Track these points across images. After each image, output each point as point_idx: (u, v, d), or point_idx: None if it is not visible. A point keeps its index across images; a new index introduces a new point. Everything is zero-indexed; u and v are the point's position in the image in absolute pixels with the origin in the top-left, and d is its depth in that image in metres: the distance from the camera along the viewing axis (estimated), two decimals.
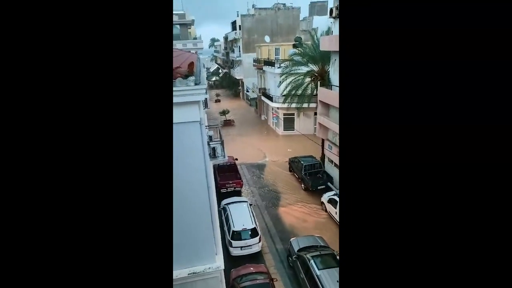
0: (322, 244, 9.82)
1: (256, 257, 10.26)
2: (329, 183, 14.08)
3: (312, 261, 8.54)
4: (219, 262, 6.28)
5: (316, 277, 8.08)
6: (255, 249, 10.33)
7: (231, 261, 9.76)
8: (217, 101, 37.81)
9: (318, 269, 8.24)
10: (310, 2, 36.29)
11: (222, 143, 10.19)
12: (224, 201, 12.36)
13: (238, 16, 34.71)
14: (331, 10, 13.21)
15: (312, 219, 12.53)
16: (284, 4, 33.77)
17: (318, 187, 14.22)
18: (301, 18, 34.50)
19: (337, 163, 14.26)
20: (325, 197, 12.96)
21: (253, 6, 33.88)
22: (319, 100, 14.97)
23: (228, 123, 27.12)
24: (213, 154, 9.95)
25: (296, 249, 9.68)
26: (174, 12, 23.05)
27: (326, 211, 12.75)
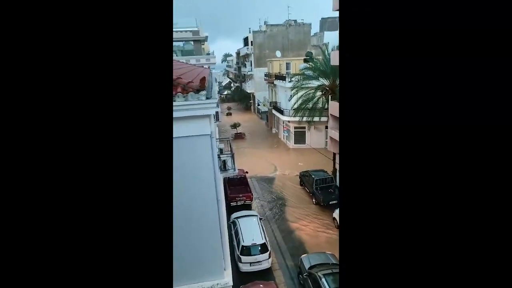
0: (334, 262, 9.50)
1: (266, 274, 10.01)
2: None
3: (323, 279, 8.25)
4: (228, 278, 6.15)
5: None
6: (265, 265, 10.09)
7: (240, 277, 9.54)
8: (229, 114, 38.27)
9: None
10: (321, 18, 36.94)
11: (232, 156, 10.19)
12: (234, 215, 12.24)
13: (250, 32, 35.61)
14: None
15: (323, 235, 12.20)
16: (295, 20, 34.45)
17: (330, 202, 13.91)
18: (312, 34, 35.03)
19: None
20: (337, 213, 12.64)
21: (265, 22, 34.75)
22: (330, 114, 14.92)
23: (239, 136, 27.30)
24: (223, 167, 9.95)
25: (307, 266, 9.39)
26: (188, 29, 23.84)
27: (338, 227, 12.42)
